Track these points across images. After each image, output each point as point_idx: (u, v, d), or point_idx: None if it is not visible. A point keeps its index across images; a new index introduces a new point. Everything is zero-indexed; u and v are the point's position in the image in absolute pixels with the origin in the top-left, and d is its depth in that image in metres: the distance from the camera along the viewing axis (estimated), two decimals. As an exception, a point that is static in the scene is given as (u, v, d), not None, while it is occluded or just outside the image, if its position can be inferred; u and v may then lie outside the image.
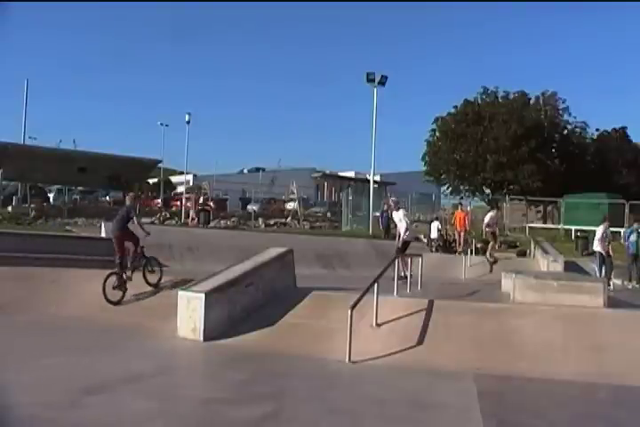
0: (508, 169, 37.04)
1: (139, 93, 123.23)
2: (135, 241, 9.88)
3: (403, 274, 9.81)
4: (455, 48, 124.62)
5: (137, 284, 9.38)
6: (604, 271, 13.89)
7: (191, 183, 48.38)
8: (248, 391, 5.28)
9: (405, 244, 11.71)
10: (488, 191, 39.48)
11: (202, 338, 7.29)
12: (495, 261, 16.46)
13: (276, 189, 46.57)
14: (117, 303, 9.23)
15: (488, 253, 16.97)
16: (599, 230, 14.26)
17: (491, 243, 17.35)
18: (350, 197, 30.94)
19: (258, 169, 58.62)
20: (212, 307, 7.46)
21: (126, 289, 9.43)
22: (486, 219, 17.57)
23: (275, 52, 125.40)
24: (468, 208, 34.47)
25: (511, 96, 40.32)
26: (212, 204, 26.57)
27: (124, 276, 9.51)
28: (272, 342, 7.10)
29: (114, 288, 9.32)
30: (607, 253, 14.08)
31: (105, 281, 9.16)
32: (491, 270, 15.81)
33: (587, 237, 21.30)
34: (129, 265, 9.69)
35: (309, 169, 60.60)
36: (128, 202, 10.71)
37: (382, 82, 28.33)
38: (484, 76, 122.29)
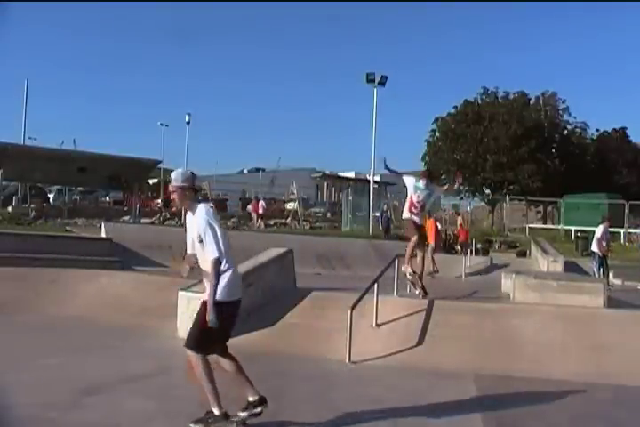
0: (508, 169, 37.11)
1: (139, 94, 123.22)
2: None
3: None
4: (455, 48, 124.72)
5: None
6: (602, 271, 13.89)
7: (191, 183, 48.24)
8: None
9: None
10: (488, 191, 39.54)
11: (202, 338, 7.28)
12: (424, 290, 8.43)
13: (276, 189, 46.59)
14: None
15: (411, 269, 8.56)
16: (598, 231, 14.26)
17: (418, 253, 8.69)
18: (350, 198, 30.97)
19: (258, 169, 58.64)
20: (212, 307, 7.45)
21: None
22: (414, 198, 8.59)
23: (274, 52, 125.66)
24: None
25: (511, 96, 40.45)
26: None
27: None
28: (272, 343, 7.10)
29: None
30: (604, 253, 14.06)
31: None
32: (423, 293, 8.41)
33: (587, 238, 21.34)
34: None
35: (309, 169, 60.59)
36: None
37: (382, 82, 28.38)
38: (484, 76, 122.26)
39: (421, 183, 8.52)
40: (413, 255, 8.66)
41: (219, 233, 4.04)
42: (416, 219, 8.61)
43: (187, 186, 4.22)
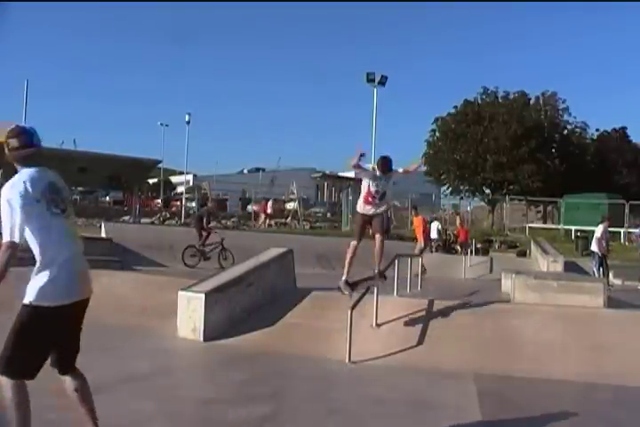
0: (508, 169, 37.11)
1: (139, 94, 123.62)
2: (204, 233, 14.23)
3: None
4: (455, 48, 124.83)
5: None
6: (601, 271, 13.90)
7: (191, 183, 48.42)
8: (248, 392, 5.28)
9: None
10: (488, 191, 39.54)
11: (202, 338, 7.28)
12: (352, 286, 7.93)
13: (276, 189, 46.60)
14: (193, 267, 13.48)
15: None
16: (598, 230, 14.27)
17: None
18: (350, 197, 30.96)
19: (258, 169, 58.78)
20: (213, 307, 7.46)
21: (201, 259, 13.85)
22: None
23: (275, 52, 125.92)
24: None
25: (511, 96, 40.45)
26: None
27: (198, 249, 14.02)
28: (272, 343, 7.10)
29: (191, 256, 13.82)
30: (604, 253, 14.07)
31: (183, 252, 13.80)
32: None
33: (587, 238, 21.36)
34: (203, 245, 14.08)
35: (309, 169, 60.68)
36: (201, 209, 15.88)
37: (382, 82, 28.45)
38: (484, 76, 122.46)
39: (378, 173, 7.76)
40: (353, 257, 7.79)
41: (18, 211, 3.01)
42: (369, 210, 7.75)
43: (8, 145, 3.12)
